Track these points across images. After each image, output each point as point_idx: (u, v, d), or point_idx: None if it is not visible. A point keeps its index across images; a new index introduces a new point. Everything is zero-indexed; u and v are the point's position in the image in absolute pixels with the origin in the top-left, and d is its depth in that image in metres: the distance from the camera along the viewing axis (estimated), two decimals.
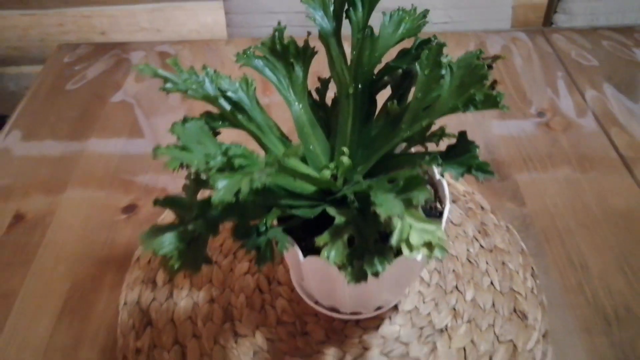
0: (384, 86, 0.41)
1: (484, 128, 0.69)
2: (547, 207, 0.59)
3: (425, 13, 0.38)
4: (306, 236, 0.39)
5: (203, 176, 0.31)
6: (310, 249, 0.39)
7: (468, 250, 0.54)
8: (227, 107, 0.36)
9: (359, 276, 0.29)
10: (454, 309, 0.49)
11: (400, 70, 0.39)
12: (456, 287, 0.51)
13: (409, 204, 0.27)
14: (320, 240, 0.30)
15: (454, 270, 0.52)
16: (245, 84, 0.40)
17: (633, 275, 0.51)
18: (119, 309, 0.50)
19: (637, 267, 0.52)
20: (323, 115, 0.44)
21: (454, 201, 0.59)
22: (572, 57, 0.83)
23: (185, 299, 0.50)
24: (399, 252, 0.35)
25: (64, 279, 0.53)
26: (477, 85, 0.31)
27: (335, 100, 0.43)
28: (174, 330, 0.48)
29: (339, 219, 0.31)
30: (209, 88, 0.37)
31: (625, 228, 0.56)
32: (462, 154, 0.32)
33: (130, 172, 0.65)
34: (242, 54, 0.41)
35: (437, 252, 0.28)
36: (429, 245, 0.28)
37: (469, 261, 0.53)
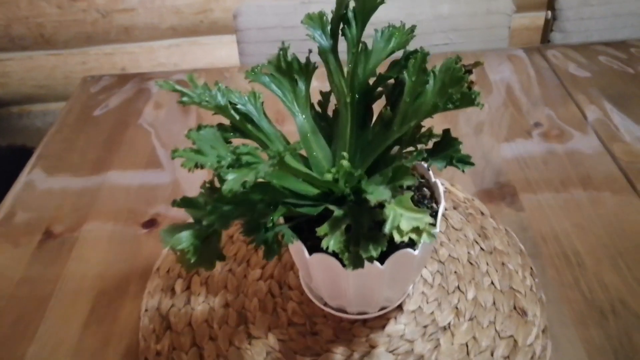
0: (379, 96, 0.45)
1: (485, 147, 0.72)
2: (543, 209, 0.61)
3: (412, 28, 0.42)
4: (311, 237, 0.43)
5: (217, 183, 0.35)
6: (316, 248, 0.42)
7: (469, 252, 0.57)
8: (237, 117, 0.41)
9: (356, 261, 0.32)
10: (456, 308, 0.51)
11: (392, 80, 0.43)
12: (458, 288, 0.53)
13: (395, 190, 0.30)
14: (321, 230, 0.34)
15: (455, 272, 0.55)
16: (253, 97, 0.44)
17: (628, 270, 0.53)
18: (140, 315, 0.53)
19: (631, 263, 0.54)
20: (325, 125, 0.47)
21: (454, 208, 0.62)
22: (568, 72, 0.86)
23: (202, 304, 0.54)
24: (395, 248, 0.38)
25: (91, 289, 0.57)
26: (456, 87, 0.34)
27: (336, 111, 0.47)
28: (192, 333, 0.51)
29: (338, 212, 0.35)
30: (221, 100, 0.41)
31: (619, 226, 0.58)
32: (446, 149, 0.35)
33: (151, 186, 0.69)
34: (250, 72, 0.45)
35: (425, 237, 0.32)
36: (417, 231, 0.32)
37: (470, 263, 0.55)
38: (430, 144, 0.40)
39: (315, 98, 0.47)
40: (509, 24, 0.97)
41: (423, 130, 0.39)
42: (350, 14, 0.42)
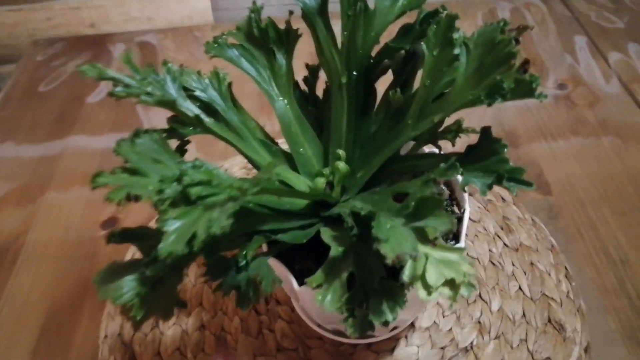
0: (383, 71, 0.34)
1: (502, 116, 0.62)
2: (575, 192, 0.52)
3: None
4: (300, 256, 0.33)
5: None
6: (308, 271, 0.32)
7: (490, 250, 0.47)
8: (191, 111, 0.30)
9: (363, 327, 0.22)
10: (479, 323, 0.43)
11: (402, 52, 0.32)
12: (479, 296, 0.44)
13: (423, 237, 0.20)
14: (313, 281, 0.24)
15: (475, 276, 0.46)
16: (216, 80, 0.33)
17: None
18: (99, 343, 0.44)
19: None
20: (314, 109, 0.37)
21: (470, 194, 0.52)
22: (592, 20, 0.75)
23: (173, 327, 0.44)
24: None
25: (39, 307, 0.47)
26: (502, 68, 0.24)
27: (327, 91, 0.37)
28: None
29: (336, 250, 0.25)
30: (171, 88, 0.30)
31: None
32: (486, 156, 0.25)
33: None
34: (212, 43, 0.34)
35: (463, 291, 0.22)
36: (451, 284, 0.22)
37: (493, 263, 0.46)
38: (456, 142, 0.29)
39: (300, 73, 0.36)
40: None
41: (448, 122, 0.29)
42: None
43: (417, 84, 0.32)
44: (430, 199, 0.21)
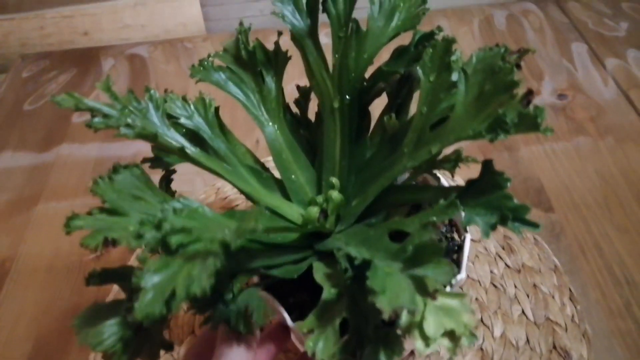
0: (377, 94, 0.33)
1: None
2: (578, 208, 0.50)
3: None
4: (293, 289, 0.32)
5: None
6: (302, 304, 0.31)
7: (492, 271, 0.46)
8: (175, 142, 0.28)
9: None
10: (482, 350, 0.41)
11: (397, 75, 0.31)
12: (481, 321, 0.43)
13: (422, 289, 0.18)
14: (304, 326, 0.22)
15: (477, 299, 0.44)
16: (202, 106, 0.31)
17: None
18: None
19: None
20: (306, 133, 0.35)
21: None
22: (590, 27, 0.73)
23: (164, 357, 0.43)
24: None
25: (26, 338, 0.46)
26: (504, 97, 0.22)
27: (320, 114, 0.35)
28: None
29: (329, 292, 0.23)
30: (154, 117, 0.29)
31: None
32: (487, 191, 0.23)
33: None
34: (197, 67, 0.32)
35: (464, 341, 0.20)
36: (451, 335, 0.20)
37: (494, 286, 0.45)
38: (454, 171, 0.28)
39: (290, 95, 0.34)
40: None
41: (446, 149, 0.27)
42: None
43: (413, 107, 0.31)
44: (429, 245, 0.19)
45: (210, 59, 0.33)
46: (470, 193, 0.23)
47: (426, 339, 0.20)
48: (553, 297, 0.43)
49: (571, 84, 0.65)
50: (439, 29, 0.29)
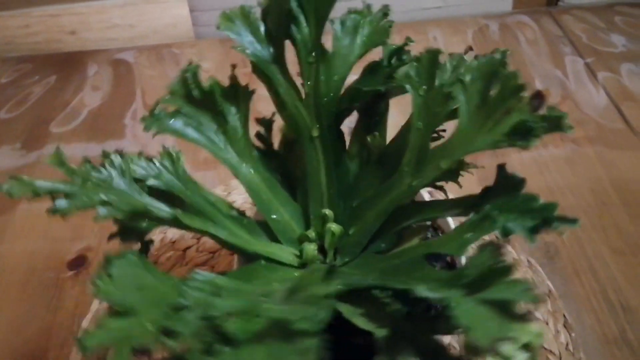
0: (347, 113, 0.31)
1: None
2: (573, 229, 0.50)
3: (385, 10, 0.29)
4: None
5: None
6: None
7: None
8: (164, 211, 0.25)
9: None
10: None
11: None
12: None
13: (509, 314, 0.18)
14: None
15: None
16: (169, 161, 0.28)
17: None
18: None
19: None
20: (276, 165, 0.33)
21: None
22: (583, 40, 0.75)
23: None
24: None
25: None
26: (511, 102, 0.22)
27: (285, 142, 0.33)
28: None
29: (380, 334, 0.22)
30: (122, 185, 0.25)
31: None
32: (508, 195, 0.23)
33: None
34: (149, 118, 0.29)
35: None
36: (526, 347, 0.20)
37: None
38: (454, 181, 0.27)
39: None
40: None
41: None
42: (294, 4, 0.26)
43: (394, 124, 0.30)
44: (495, 266, 0.18)
45: (160, 105, 0.29)
46: (490, 200, 0.23)
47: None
48: (547, 323, 0.43)
49: (565, 96, 0.65)
50: (409, 39, 0.28)
